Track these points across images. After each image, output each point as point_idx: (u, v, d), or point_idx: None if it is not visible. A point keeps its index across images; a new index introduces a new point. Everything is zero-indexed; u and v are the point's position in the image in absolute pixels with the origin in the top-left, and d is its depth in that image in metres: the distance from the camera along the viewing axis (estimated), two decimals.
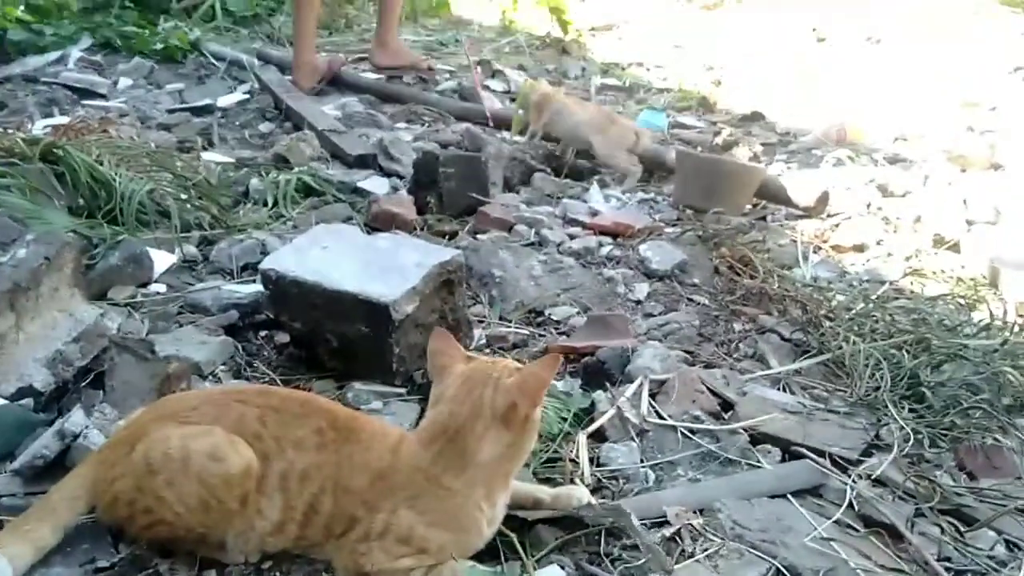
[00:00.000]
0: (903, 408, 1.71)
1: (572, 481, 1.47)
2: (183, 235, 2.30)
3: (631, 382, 1.75)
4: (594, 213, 2.73)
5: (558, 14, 5.24)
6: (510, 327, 2.03)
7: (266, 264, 1.80)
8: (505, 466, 1.19)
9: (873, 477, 1.52)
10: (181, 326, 1.88)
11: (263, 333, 1.94)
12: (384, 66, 4.18)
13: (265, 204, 2.61)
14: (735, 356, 1.97)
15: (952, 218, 2.58)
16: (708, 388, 1.77)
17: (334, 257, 1.80)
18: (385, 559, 1.15)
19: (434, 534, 1.15)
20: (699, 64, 4.81)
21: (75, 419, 1.38)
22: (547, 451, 1.56)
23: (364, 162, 2.97)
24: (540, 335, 2.02)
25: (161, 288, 2.06)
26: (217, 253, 2.25)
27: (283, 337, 1.90)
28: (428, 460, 1.17)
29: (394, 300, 1.66)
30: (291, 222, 2.50)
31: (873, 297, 2.11)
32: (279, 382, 1.74)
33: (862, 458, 1.58)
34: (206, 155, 3.02)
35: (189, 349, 1.73)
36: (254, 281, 2.05)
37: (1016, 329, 1.91)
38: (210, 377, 1.72)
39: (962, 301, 2.14)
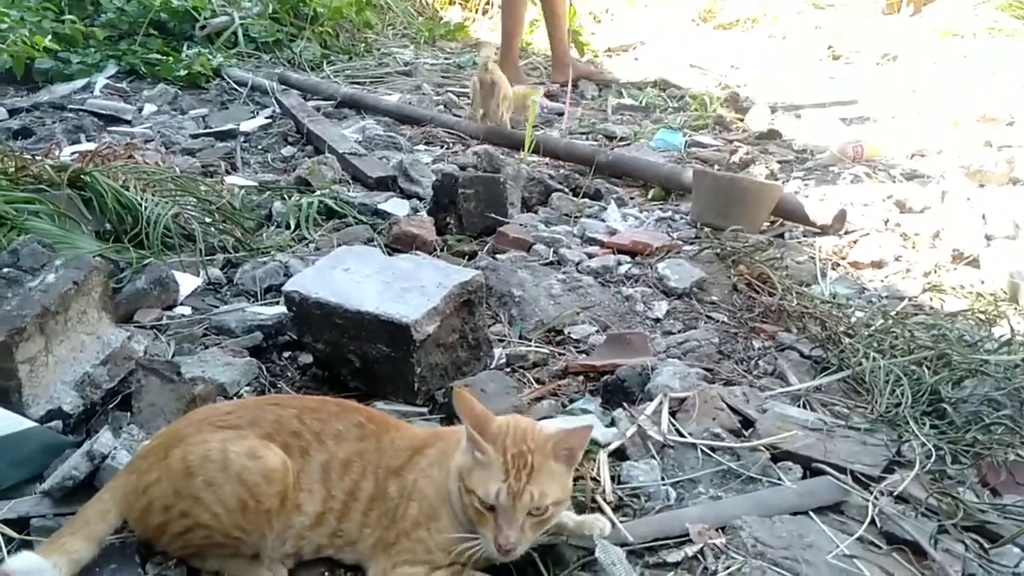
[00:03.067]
0: (924, 424, 1.71)
1: (593, 500, 1.48)
2: (208, 258, 2.34)
3: (651, 400, 1.76)
4: (612, 232, 2.75)
5: (575, 36, 5.28)
6: (530, 346, 2.05)
7: (289, 286, 1.83)
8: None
9: (895, 494, 1.52)
10: (206, 348, 1.91)
11: (287, 354, 1.97)
12: (562, 81, 4.56)
13: (288, 227, 2.65)
14: (755, 373, 1.97)
15: (971, 233, 2.57)
16: (728, 406, 1.77)
17: (356, 278, 1.83)
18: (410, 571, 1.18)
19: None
20: (715, 83, 4.83)
21: (104, 440, 1.41)
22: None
23: (384, 184, 3.01)
24: (560, 354, 2.03)
25: (186, 311, 2.10)
26: (241, 275, 2.29)
27: (306, 358, 1.93)
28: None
29: (415, 320, 1.69)
30: (313, 244, 2.53)
31: (892, 313, 2.11)
32: None
33: (884, 475, 1.58)
34: (229, 179, 3.07)
35: (214, 371, 1.76)
36: (277, 303, 2.08)
37: None
38: (235, 398, 1.75)
39: (982, 317, 2.13)
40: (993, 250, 2.48)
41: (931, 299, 2.28)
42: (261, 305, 2.14)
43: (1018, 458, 1.61)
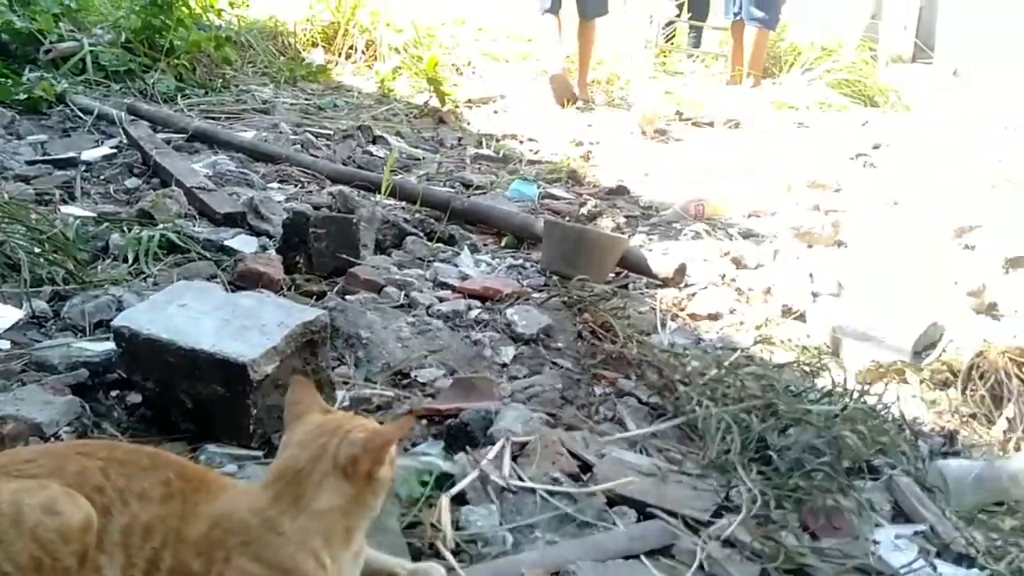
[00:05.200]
0: (752, 470, 1.78)
1: (431, 546, 1.47)
2: (33, 290, 2.20)
3: (493, 444, 1.77)
4: (464, 277, 2.77)
5: (436, 85, 5.34)
6: (375, 389, 2.02)
7: (119, 320, 1.75)
8: (346, 521, 1.16)
9: (723, 538, 1.58)
10: (24, 385, 1.79)
11: (114, 393, 1.87)
12: (584, 99, 5.95)
13: (125, 260, 2.53)
14: (595, 419, 2.01)
15: (799, 290, 2.73)
16: (568, 450, 1.80)
17: (192, 315, 1.76)
18: None
19: None
20: (569, 139, 4.98)
21: None
22: (408, 515, 1.55)
23: (232, 220, 2.93)
24: (405, 397, 2.02)
25: (5, 344, 1.96)
26: (69, 309, 2.17)
27: (135, 397, 1.84)
28: (265, 502, 1.14)
29: (252, 360, 1.64)
30: (151, 279, 2.43)
31: (725, 363, 2.20)
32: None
33: (713, 519, 1.64)
34: (65, 209, 2.92)
35: (30, 409, 1.65)
36: (107, 339, 1.98)
37: (855, 395, 2.03)
38: (52, 439, 1.64)
39: (807, 368, 2.26)
40: (818, 306, 2.64)
41: (761, 351, 2.40)
42: (89, 341, 2.03)
43: (835, 504, 1.70)
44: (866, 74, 7.09)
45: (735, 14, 6.79)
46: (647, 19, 7.49)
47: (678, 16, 7.69)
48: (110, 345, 1.88)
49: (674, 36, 7.75)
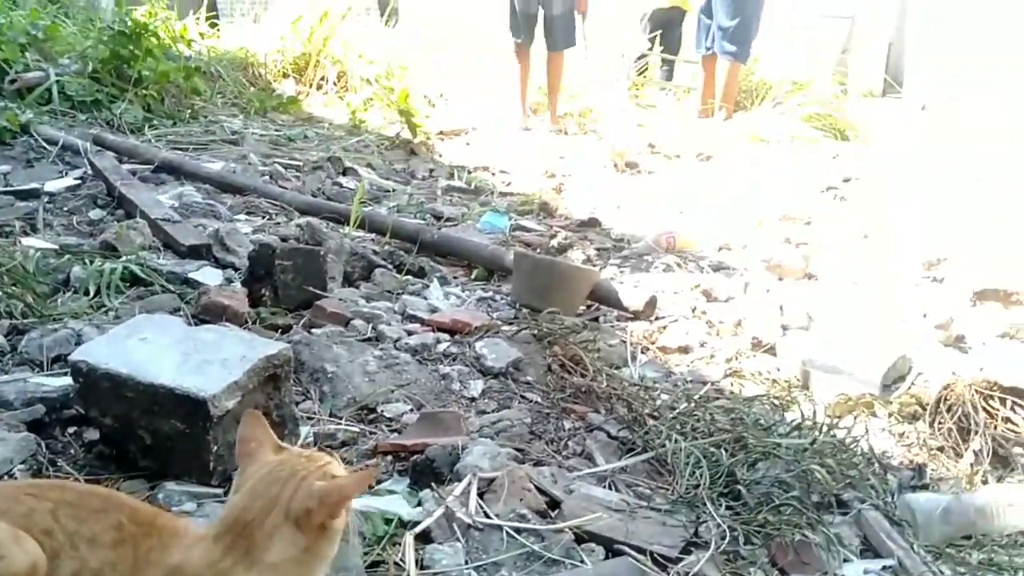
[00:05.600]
0: (720, 506, 1.77)
1: None
2: None
3: (460, 480, 1.74)
4: (433, 310, 2.74)
5: (408, 117, 5.34)
6: (340, 424, 1.99)
7: (77, 355, 1.71)
8: (299, 571, 1.12)
9: (691, 575, 1.55)
10: None
11: (71, 430, 1.82)
12: (556, 129, 6.21)
13: (86, 293, 2.48)
14: (564, 454, 1.99)
15: (769, 323, 2.73)
16: (536, 486, 1.77)
17: (152, 349, 1.72)
18: None
19: None
20: (542, 171, 4.99)
21: None
22: (371, 554, 1.52)
23: (198, 253, 2.89)
24: (371, 432, 1.99)
25: None
26: (27, 343, 2.12)
27: (93, 434, 1.79)
28: (218, 554, 1.10)
29: (213, 395, 1.60)
30: (113, 312, 2.38)
31: (695, 397, 2.19)
32: (83, 482, 1.62)
33: (681, 555, 1.61)
34: (26, 240, 2.87)
35: None
36: (65, 373, 1.93)
37: (824, 429, 2.02)
38: (5, 477, 1.59)
39: (776, 402, 2.25)
40: (788, 339, 2.64)
41: (732, 384, 2.39)
42: (47, 376, 1.98)
43: (804, 538, 1.69)
44: (836, 108, 7.19)
45: (707, 48, 6.87)
46: (620, 52, 7.56)
47: (650, 50, 7.76)
48: (68, 380, 1.84)
49: (646, 69, 7.82)
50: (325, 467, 1.17)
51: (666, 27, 7.90)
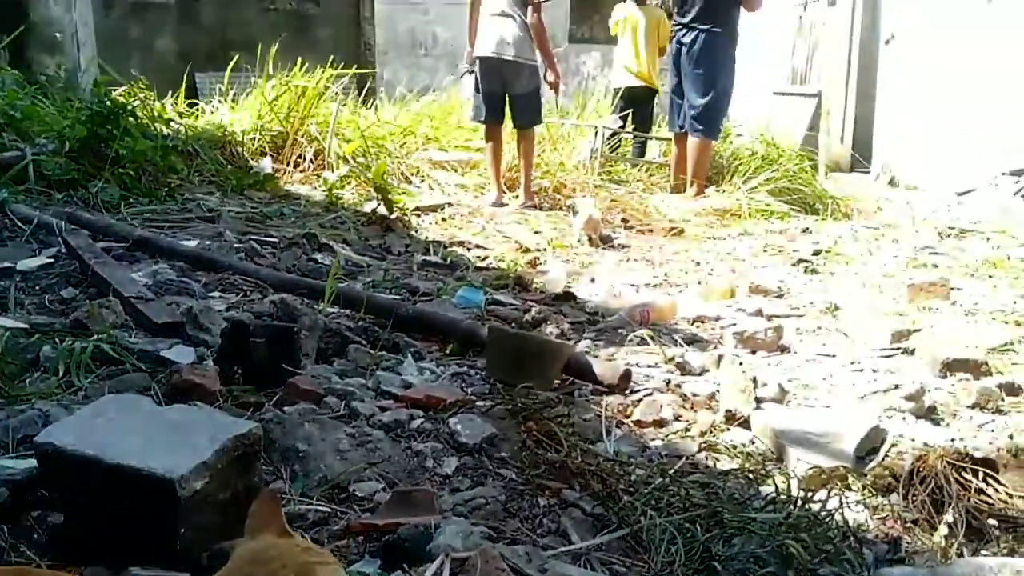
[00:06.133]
0: None
1: None
2: None
3: (432, 561, 1.71)
4: (407, 385, 2.73)
5: (383, 193, 5.39)
6: (311, 504, 1.96)
7: (42, 437, 1.68)
8: None
9: None
10: None
11: (35, 513, 1.78)
12: (528, 204, 6.26)
13: (56, 373, 2.46)
14: (539, 532, 1.96)
15: (743, 396, 2.74)
16: (510, 566, 1.74)
17: (119, 430, 1.70)
18: None
19: None
20: (517, 246, 5.03)
21: None
22: None
23: (171, 331, 2.87)
24: (343, 512, 1.96)
25: None
26: None
27: (57, 517, 1.75)
28: None
29: (180, 476, 1.58)
30: (82, 392, 2.36)
31: (670, 472, 2.18)
32: (46, 568, 1.59)
33: None
34: None
35: None
36: (31, 455, 1.90)
37: (799, 503, 2.01)
38: None
39: (751, 476, 2.24)
40: (762, 412, 2.64)
41: (706, 458, 2.38)
42: (11, 458, 1.95)
43: None
44: (806, 182, 7.35)
45: (679, 126, 7.04)
46: (592, 130, 7.73)
47: (622, 127, 7.94)
48: (33, 462, 1.80)
49: (619, 146, 7.99)
50: (311, 565, 1.15)
51: (637, 105, 8.10)
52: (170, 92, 7.14)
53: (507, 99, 6.28)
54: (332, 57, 7.33)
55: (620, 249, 5.27)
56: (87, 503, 1.65)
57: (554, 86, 6.47)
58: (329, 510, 1.95)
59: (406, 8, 13.85)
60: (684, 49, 6.88)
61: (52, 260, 3.66)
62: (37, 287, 3.35)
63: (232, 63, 7.40)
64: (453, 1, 6.31)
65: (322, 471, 2.09)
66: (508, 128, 6.50)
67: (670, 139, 7.45)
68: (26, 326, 2.81)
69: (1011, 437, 2.45)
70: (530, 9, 6.01)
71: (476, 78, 6.33)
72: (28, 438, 2.02)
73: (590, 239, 5.28)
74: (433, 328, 3.33)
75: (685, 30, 6.88)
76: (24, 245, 3.89)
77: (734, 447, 2.46)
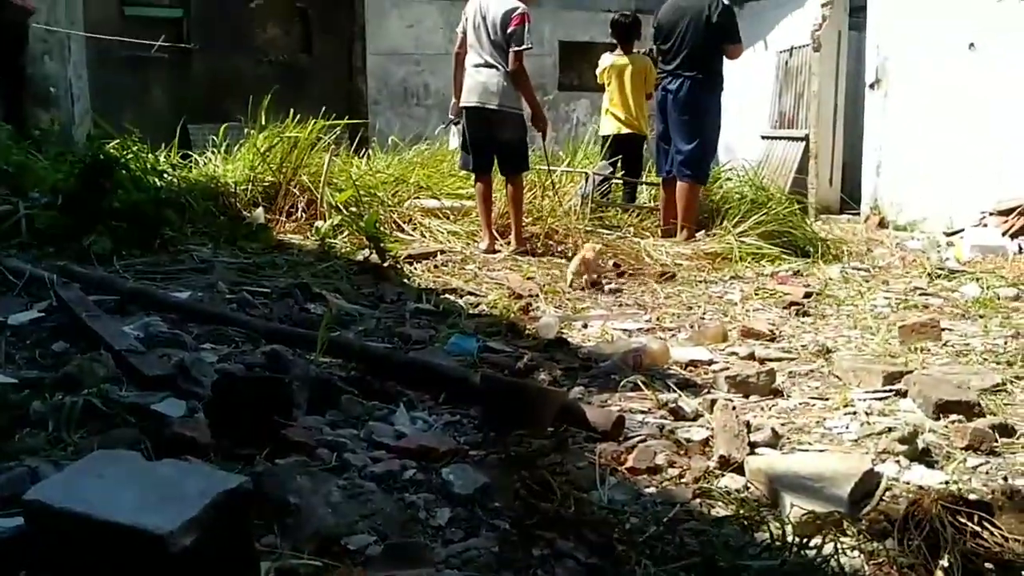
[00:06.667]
0: None
1: None
2: None
3: None
4: (400, 435, 2.72)
5: (376, 242, 5.41)
6: (302, 559, 1.94)
7: (30, 494, 1.67)
8: None
9: None
10: None
11: (23, 573, 1.76)
12: (520, 251, 6.27)
13: (45, 428, 2.45)
14: None
15: (737, 441, 2.73)
16: None
17: (109, 486, 1.69)
18: None
19: None
20: (509, 292, 5.05)
21: None
22: None
23: (161, 384, 2.86)
24: (334, 566, 1.94)
25: None
26: None
27: None
28: None
29: (170, 531, 1.56)
30: (72, 448, 2.34)
31: (665, 520, 2.17)
32: None
33: None
34: None
35: None
36: (19, 513, 1.88)
37: (794, 549, 2.00)
38: None
39: (746, 522, 2.23)
40: (756, 457, 2.63)
41: (701, 505, 2.37)
42: None
43: None
44: (796, 225, 7.40)
45: (667, 172, 7.10)
46: (583, 176, 7.80)
47: (611, 173, 8.01)
48: (21, 520, 1.79)
49: (609, 191, 8.05)
50: None
51: (626, 150, 8.18)
52: (164, 144, 7.20)
53: (495, 147, 6.33)
54: (324, 108, 7.41)
55: (612, 294, 5.28)
56: (77, 561, 1.63)
57: (541, 131, 6.52)
58: (320, 564, 1.93)
59: (398, 59, 14.05)
60: (670, 96, 6.98)
61: (44, 314, 3.66)
62: (28, 341, 3.35)
63: (226, 116, 7.47)
64: (443, 52, 6.38)
65: (314, 524, 2.07)
66: (498, 176, 6.55)
67: (659, 184, 7.52)
68: (16, 381, 2.80)
69: (1005, 479, 2.45)
70: (511, 56, 6.08)
71: (463, 127, 6.41)
72: (16, 496, 2.00)
73: (583, 284, 5.30)
74: (425, 376, 3.32)
75: (671, 77, 6.99)
76: (16, 299, 3.89)
77: (728, 493, 2.45)
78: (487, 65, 6.16)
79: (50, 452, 2.31)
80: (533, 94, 6.37)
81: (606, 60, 8.33)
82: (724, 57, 7.00)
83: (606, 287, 5.40)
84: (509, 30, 6.03)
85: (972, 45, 9.15)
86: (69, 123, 8.62)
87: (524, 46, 6.06)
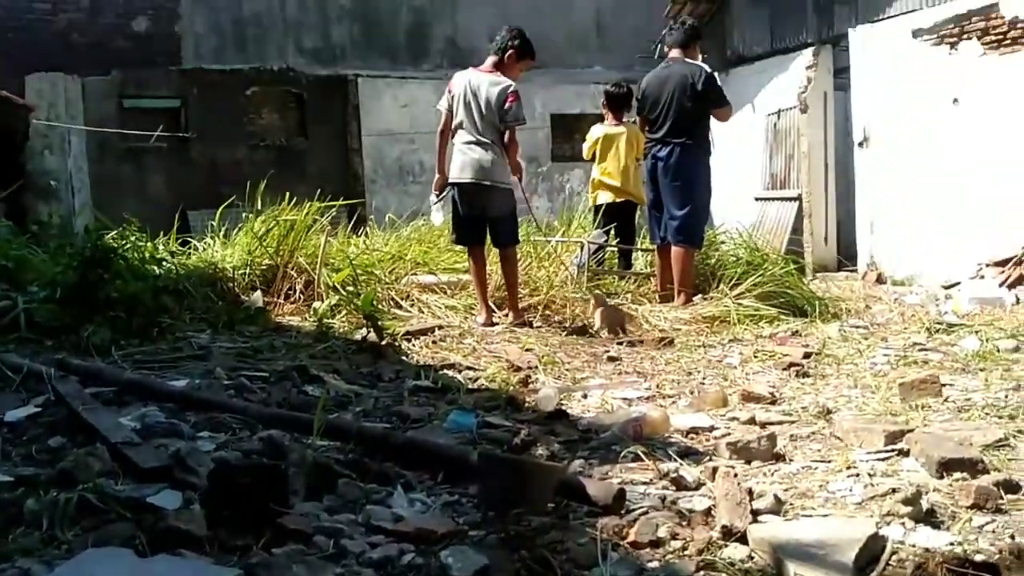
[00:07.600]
0: None
1: None
2: None
3: None
4: (398, 518, 2.69)
5: (373, 320, 5.43)
6: None
7: None
8: None
9: None
10: None
11: None
12: (518, 322, 6.31)
13: (39, 527, 2.42)
14: None
15: (740, 509, 2.69)
16: None
17: None
18: None
19: None
20: (508, 366, 5.04)
21: None
22: None
23: (158, 475, 2.84)
24: None
25: None
26: None
27: None
28: None
29: None
30: (65, 546, 2.31)
31: None
32: None
33: None
34: None
35: None
36: None
37: None
38: None
39: None
40: (759, 525, 2.60)
41: None
42: None
43: None
44: (792, 284, 7.42)
45: (661, 239, 7.16)
46: (578, 245, 7.86)
47: (606, 241, 8.07)
48: None
49: (604, 260, 8.10)
50: None
51: (621, 218, 8.26)
52: (164, 231, 7.28)
53: (487, 221, 6.41)
54: (322, 188, 7.50)
55: (611, 361, 5.27)
56: None
57: (516, 173, 6.56)
58: None
59: (392, 138, 14.30)
60: (660, 163, 7.08)
61: (41, 408, 3.65)
62: (25, 437, 3.33)
63: (224, 201, 7.58)
64: (437, 130, 6.51)
65: None
66: (492, 248, 6.61)
67: (653, 250, 7.57)
68: (11, 479, 2.78)
69: (1012, 537, 2.41)
70: (508, 134, 6.22)
71: (453, 200, 6.49)
72: None
73: (610, 327, 5.35)
74: (423, 456, 3.30)
75: (659, 145, 7.09)
76: (13, 394, 3.89)
77: (732, 564, 2.41)
78: (479, 143, 6.28)
79: (44, 551, 2.28)
80: (518, 161, 6.53)
81: (597, 131, 8.46)
82: (713, 121, 7.13)
83: (604, 356, 5.39)
84: (505, 107, 6.17)
85: (956, 100, 9.31)
86: (70, 215, 8.73)
87: (523, 123, 6.25)
